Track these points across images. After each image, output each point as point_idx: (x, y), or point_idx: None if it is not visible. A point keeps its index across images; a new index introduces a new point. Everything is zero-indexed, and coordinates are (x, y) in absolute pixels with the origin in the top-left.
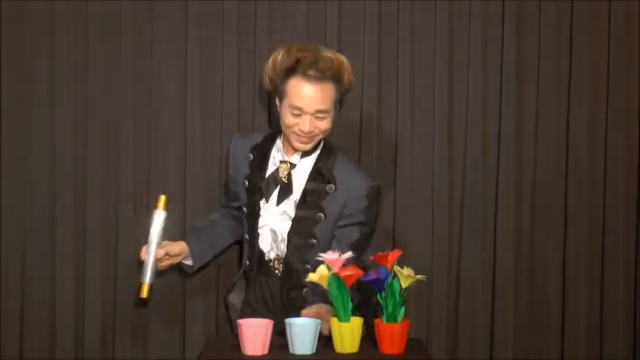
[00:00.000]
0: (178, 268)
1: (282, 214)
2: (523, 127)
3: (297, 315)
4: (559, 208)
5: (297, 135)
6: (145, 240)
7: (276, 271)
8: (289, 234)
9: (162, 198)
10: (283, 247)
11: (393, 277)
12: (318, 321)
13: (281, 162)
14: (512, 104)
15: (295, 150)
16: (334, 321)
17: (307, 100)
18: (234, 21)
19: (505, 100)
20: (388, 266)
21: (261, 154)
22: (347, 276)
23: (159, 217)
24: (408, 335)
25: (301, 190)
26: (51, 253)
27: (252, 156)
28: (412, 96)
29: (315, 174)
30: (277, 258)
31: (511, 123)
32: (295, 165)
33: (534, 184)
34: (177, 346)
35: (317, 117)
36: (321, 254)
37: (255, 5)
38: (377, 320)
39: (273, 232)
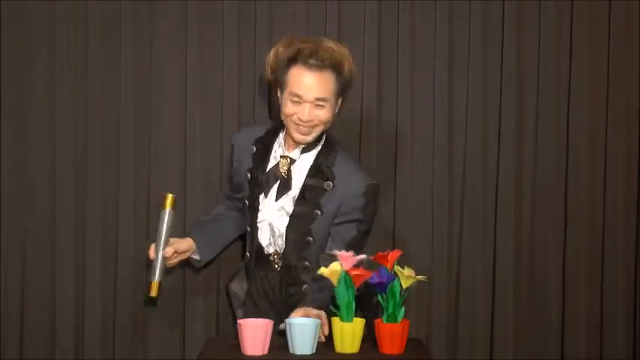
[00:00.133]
0: (183, 264)
1: (280, 210)
2: (523, 127)
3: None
4: (559, 208)
5: (297, 125)
6: (148, 239)
7: (276, 266)
8: (286, 230)
9: (169, 197)
10: (281, 242)
11: (393, 278)
12: (318, 321)
13: (281, 157)
14: (512, 104)
15: (296, 142)
16: (336, 321)
17: (307, 88)
18: (234, 21)
19: (505, 100)
20: (388, 266)
21: (264, 148)
22: (356, 276)
23: (166, 216)
24: (408, 335)
25: (300, 186)
26: (51, 253)
27: (255, 149)
28: (412, 96)
29: (315, 170)
30: (276, 253)
31: (511, 123)
32: (295, 160)
33: (534, 184)
34: (178, 346)
35: (316, 105)
36: (335, 250)
37: (255, 5)
38: (377, 320)
39: (271, 228)
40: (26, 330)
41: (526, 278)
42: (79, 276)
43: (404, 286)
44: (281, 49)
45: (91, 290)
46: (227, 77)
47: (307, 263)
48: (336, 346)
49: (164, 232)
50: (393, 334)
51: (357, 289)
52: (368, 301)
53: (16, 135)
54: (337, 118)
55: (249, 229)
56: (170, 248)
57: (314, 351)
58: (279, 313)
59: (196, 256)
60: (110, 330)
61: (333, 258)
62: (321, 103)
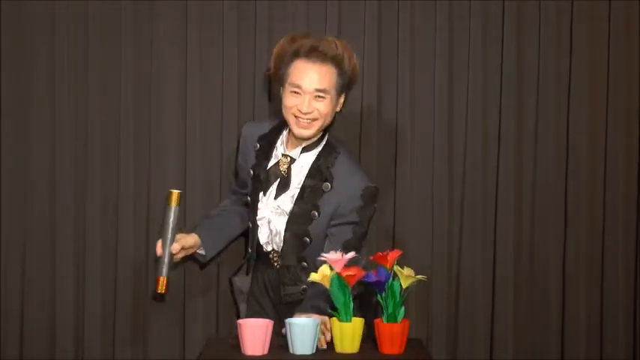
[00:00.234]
0: (185, 262)
1: (277, 209)
2: (523, 127)
3: (294, 310)
4: (559, 208)
5: (296, 117)
6: (148, 239)
7: (275, 264)
8: (284, 230)
9: (176, 193)
10: (278, 241)
11: (393, 278)
12: (319, 321)
13: (282, 155)
14: (512, 104)
15: (297, 138)
16: (335, 321)
17: (307, 79)
18: (234, 21)
19: (505, 100)
20: (388, 266)
21: (268, 145)
22: (349, 276)
23: (172, 213)
24: (408, 335)
25: (299, 187)
26: (51, 253)
27: (258, 145)
28: (412, 96)
29: (315, 171)
30: (274, 251)
31: (511, 123)
32: (295, 160)
33: (534, 184)
34: (178, 346)
35: (316, 97)
36: (323, 254)
37: (255, 5)
38: (377, 320)
39: (270, 226)
40: (26, 330)
41: (526, 278)
42: (79, 276)
43: (404, 286)
44: (285, 44)
45: (91, 290)
46: (227, 77)
47: (305, 264)
48: (335, 346)
49: (171, 228)
50: (393, 334)
51: (356, 289)
52: (368, 301)
53: (16, 135)
54: (337, 118)
55: (250, 225)
56: (177, 244)
57: (314, 351)
58: (278, 312)
59: (202, 251)
60: (110, 330)
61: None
62: (321, 94)
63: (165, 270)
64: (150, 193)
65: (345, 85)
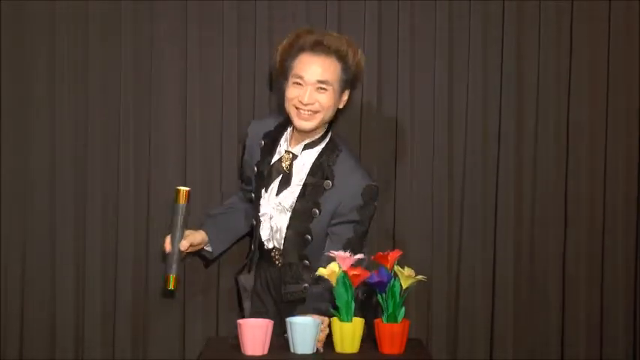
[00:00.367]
0: (185, 262)
1: (278, 205)
2: (523, 127)
3: (296, 308)
4: (559, 208)
5: (298, 109)
6: (148, 239)
7: (277, 262)
8: (287, 227)
9: (185, 190)
10: (279, 238)
11: (394, 278)
12: (319, 321)
13: (285, 152)
14: (512, 104)
15: (300, 134)
16: (336, 321)
17: (309, 70)
18: (234, 21)
19: (505, 100)
20: (388, 266)
21: (272, 141)
22: (354, 275)
23: (180, 210)
24: (408, 335)
25: (301, 184)
26: (51, 253)
27: (263, 143)
28: (412, 96)
29: (316, 168)
30: (276, 249)
31: (511, 123)
32: (297, 156)
33: (534, 184)
34: (178, 346)
35: (318, 89)
36: (331, 251)
37: (255, 5)
38: (377, 320)
39: (271, 223)
40: (26, 330)
41: (526, 278)
42: (79, 276)
43: (404, 286)
44: (291, 39)
45: (91, 290)
46: (227, 77)
47: (307, 262)
48: (336, 346)
49: (179, 225)
50: (393, 334)
51: (363, 293)
52: (368, 301)
53: (16, 135)
54: (338, 117)
55: (254, 222)
56: (185, 241)
57: (314, 350)
58: (280, 310)
59: (209, 248)
60: (110, 330)
61: (332, 260)
62: (322, 86)
63: (174, 267)
64: (150, 193)
65: (349, 82)
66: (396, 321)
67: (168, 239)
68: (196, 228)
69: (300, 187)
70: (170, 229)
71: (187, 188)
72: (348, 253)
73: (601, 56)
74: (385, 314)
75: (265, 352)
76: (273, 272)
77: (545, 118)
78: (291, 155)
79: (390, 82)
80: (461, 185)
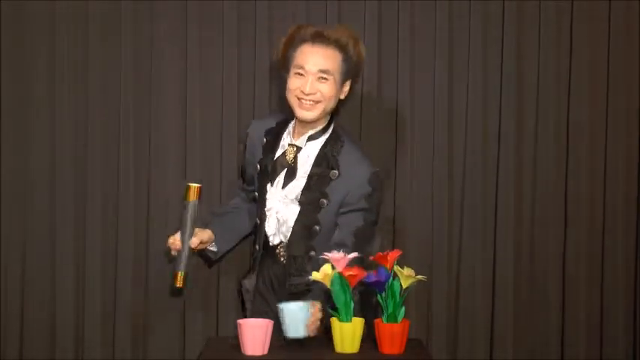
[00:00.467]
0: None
1: (285, 198)
2: (523, 127)
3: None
4: (559, 208)
5: (299, 99)
6: (148, 239)
7: (282, 259)
8: (295, 221)
9: (196, 187)
10: (285, 231)
11: (394, 278)
12: (308, 303)
13: (289, 145)
14: (512, 104)
15: (302, 126)
16: (335, 321)
17: (311, 60)
18: (234, 21)
19: (505, 100)
20: (388, 266)
21: (274, 137)
22: (351, 276)
23: (190, 207)
24: (408, 335)
25: (307, 175)
26: (51, 253)
27: (265, 140)
28: (412, 96)
29: (321, 159)
30: (281, 244)
31: (511, 123)
32: (301, 148)
33: (534, 184)
34: (178, 346)
35: (320, 79)
36: (326, 253)
37: (255, 5)
38: (377, 320)
39: (277, 216)
40: (26, 330)
41: (526, 278)
42: (79, 276)
43: (404, 286)
44: (293, 32)
45: (91, 290)
46: (227, 77)
47: (313, 253)
48: (336, 346)
49: (190, 222)
50: (393, 334)
51: (359, 291)
52: (368, 301)
53: (16, 135)
54: (337, 118)
55: (258, 220)
56: (195, 239)
57: (306, 334)
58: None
59: (213, 247)
60: (110, 330)
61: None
62: (324, 75)
63: (183, 265)
64: (150, 193)
65: (350, 72)
66: (396, 321)
67: (176, 236)
68: (205, 225)
69: (306, 179)
70: (180, 226)
71: (198, 184)
72: (342, 254)
73: (601, 56)
74: (385, 314)
75: (265, 352)
76: (277, 269)
77: (545, 118)
78: (295, 148)
79: (390, 82)
80: (461, 185)
